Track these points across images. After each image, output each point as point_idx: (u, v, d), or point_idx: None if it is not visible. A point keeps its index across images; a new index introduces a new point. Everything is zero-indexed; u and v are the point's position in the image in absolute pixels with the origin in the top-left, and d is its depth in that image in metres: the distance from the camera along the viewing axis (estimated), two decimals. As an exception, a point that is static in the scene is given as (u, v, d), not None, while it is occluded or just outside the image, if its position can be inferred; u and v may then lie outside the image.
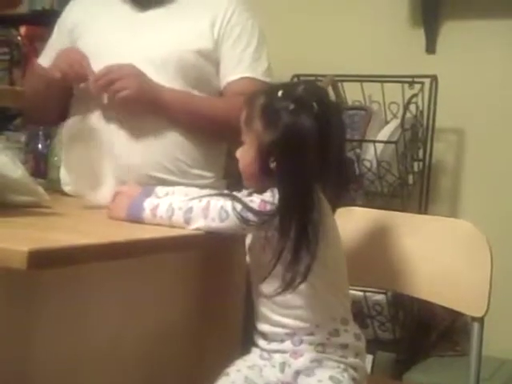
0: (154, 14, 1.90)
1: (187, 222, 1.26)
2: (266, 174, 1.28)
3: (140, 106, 1.76)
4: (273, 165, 1.27)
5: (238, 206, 1.24)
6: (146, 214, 1.30)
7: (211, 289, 1.48)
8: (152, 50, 1.83)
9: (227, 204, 1.25)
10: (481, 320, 1.44)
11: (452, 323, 2.43)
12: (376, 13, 2.74)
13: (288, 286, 1.24)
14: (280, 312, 1.31)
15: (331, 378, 1.26)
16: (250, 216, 1.24)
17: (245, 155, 1.32)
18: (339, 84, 2.50)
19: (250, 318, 1.39)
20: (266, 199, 1.25)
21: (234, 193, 1.32)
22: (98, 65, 1.78)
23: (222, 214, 1.24)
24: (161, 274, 1.35)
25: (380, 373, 2.33)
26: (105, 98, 1.76)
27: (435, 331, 2.48)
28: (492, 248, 1.45)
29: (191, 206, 1.27)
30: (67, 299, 1.14)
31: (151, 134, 1.80)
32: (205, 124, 1.84)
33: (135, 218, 1.31)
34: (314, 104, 1.27)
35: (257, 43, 1.94)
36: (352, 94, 2.56)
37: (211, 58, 1.88)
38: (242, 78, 1.90)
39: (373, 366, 2.31)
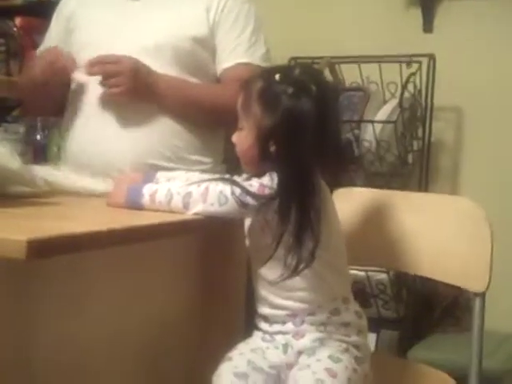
0: (148, 2, 1.90)
1: (186, 206, 1.26)
2: (265, 159, 1.28)
3: (134, 100, 1.77)
4: (272, 148, 1.27)
5: (237, 190, 1.24)
6: (145, 199, 1.30)
7: (212, 273, 1.49)
8: (147, 37, 1.82)
9: (226, 188, 1.25)
10: (482, 295, 1.45)
11: (455, 300, 2.45)
12: (372, -7, 2.74)
13: (292, 271, 1.25)
14: (281, 295, 1.32)
15: (330, 356, 1.26)
16: (249, 200, 1.24)
17: (243, 140, 1.32)
18: (336, 66, 2.49)
19: (251, 301, 1.40)
20: (264, 183, 1.25)
21: (234, 177, 1.32)
22: (94, 54, 1.78)
23: (220, 199, 1.24)
24: (161, 260, 1.36)
25: (384, 351, 2.34)
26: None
27: (438, 308, 2.50)
28: (492, 224, 1.45)
29: (190, 190, 1.27)
30: (68, 288, 1.15)
31: (148, 121, 1.80)
32: (202, 111, 1.84)
33: (134, 204, 1.30)
34: (313, 87, 1.26)
35: (253, 28, 1.91)
36: (350, 75, 2.56)
37: (207, 44, 1.87)
38: (239, 64, 1.88)
39: (377, 345, 2.33)
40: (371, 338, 2.19)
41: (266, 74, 1.34)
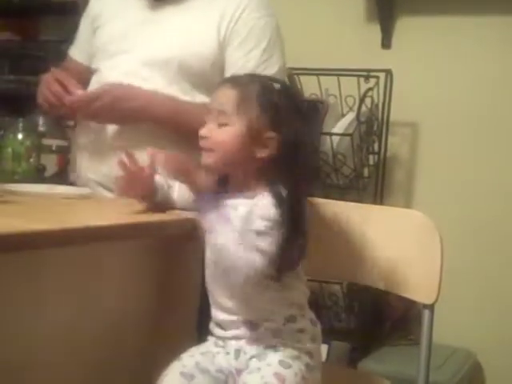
0: (166, 12, 1.84)
1: None
2: (251, 161, 1.28)
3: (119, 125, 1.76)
4: (263, 153, 1.27)
5: None
6: None
7: (167, 276, 1.48)
8: (155, 50, 1.78)
9: None
10: (431, 307, 1.46)
11: (406, 312, 2.47)
12: (333, 8, 2.77)
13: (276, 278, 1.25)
14: (238, 301, 1.30)
15: (281, 362, 1.25)
16: None
17: (231, 136, 1.28)
18: (296, 77, 2.51)
19: (206, 308, 1.39)
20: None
21: None
22: (105, 59, 1.82)
23: None
24: (116, 261, 1.35)
25: (335, 362, 2.35)
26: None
27: (389, 321, 2.52)
28: (443, 237, 1.47)
29: None
30: (22, 285, 1.14)
31: (145, 143, 1.73)
32: (190, 135, 1.76)
33: None
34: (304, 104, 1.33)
35: (266, 44, 1.83)
36: (309, 87, 2.58)
37: (215, 61, 1.79)
38: None
39: (328, 356, 2.34)
40: (323, 349, 2.20)
41: (264, 79, 1.36)
